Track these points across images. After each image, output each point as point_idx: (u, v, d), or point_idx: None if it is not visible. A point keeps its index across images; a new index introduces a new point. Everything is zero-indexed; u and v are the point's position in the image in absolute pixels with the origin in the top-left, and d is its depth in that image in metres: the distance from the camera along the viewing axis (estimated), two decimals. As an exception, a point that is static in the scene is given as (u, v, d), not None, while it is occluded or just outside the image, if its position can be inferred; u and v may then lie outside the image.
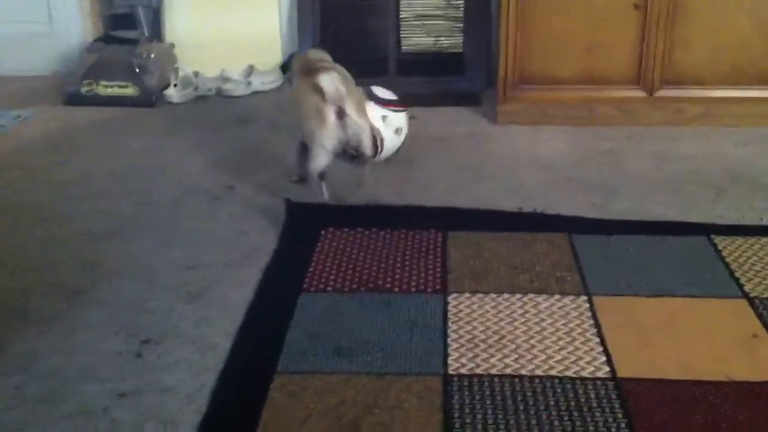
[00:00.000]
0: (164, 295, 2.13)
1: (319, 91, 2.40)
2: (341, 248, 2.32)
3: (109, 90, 3.63)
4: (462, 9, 3.81)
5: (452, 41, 3.90)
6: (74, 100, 3.62)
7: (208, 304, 2.09)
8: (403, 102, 2.90)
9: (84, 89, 3.63)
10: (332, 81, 2.39)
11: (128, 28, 3.90)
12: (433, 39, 3.92)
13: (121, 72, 3.63)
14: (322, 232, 2.40)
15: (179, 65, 3.74)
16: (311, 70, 2.50)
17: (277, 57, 4.00)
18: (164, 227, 2.50)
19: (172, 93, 3.64)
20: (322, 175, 2.50)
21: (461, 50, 3.83)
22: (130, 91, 3.62)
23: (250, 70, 3.80)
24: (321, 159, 2.46)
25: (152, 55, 3.70)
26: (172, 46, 3.95)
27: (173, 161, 3.00)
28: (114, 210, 2.62)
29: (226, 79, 3.74)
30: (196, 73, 3.72)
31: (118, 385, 1.78)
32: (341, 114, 2.40)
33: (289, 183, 2.71)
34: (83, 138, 3.27)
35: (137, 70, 3.62)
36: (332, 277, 2.18)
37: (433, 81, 3.74)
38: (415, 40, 3.91)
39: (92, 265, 2.29)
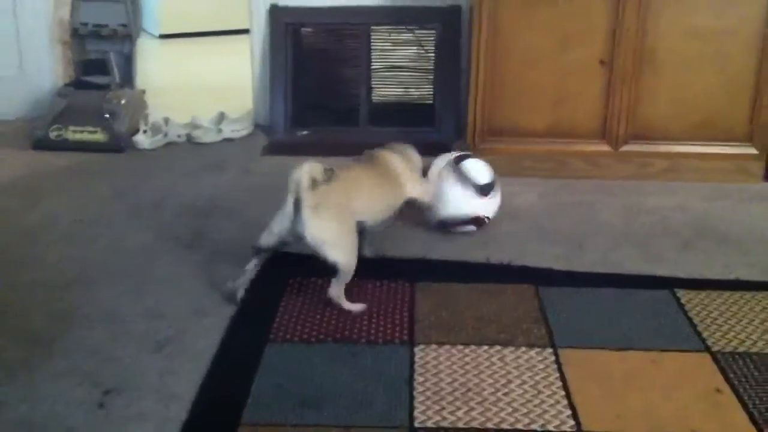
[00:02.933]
0: (130, 343, 2.11)
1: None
2: (308, 298, 2.32)
3: (79, 135, 3.62)
4: (433, 61, 3.87)
5: (423, 92, 3.94)
6: (43, 144, 3.61)
7: (173, 354, 2.07)
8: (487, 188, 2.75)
9: (53, 134, 3.62)
10: (303, 170, 2.19)
11: (99, 74, 3.91)
12: (404, 90, 3.97)
13: (91, 117, 3.62)
14: (290, 282, 2.40)
15: (149, 111, 3.75)
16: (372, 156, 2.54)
17: (247, 104, 4.03)
18: (132, 275, 2.48)
19: (142, 139, 3.64)
20: (257, 251, 2.34)
21: (432, 101, 3.87)
22: (99, 136, 3.61)
23: (221, 117, 3.81)
24: (265, 236, 2.29)
25: (122, 101, 3.70)
26: (143, 92, 3.97)
27: (143, 207, 2.99)
28: (81, 256, 2.60)
29: (196, 126, 3.75)
30: (167, 120, 3.73)
31: (81, 437, 1.76)
32: (297, 205, 2.20)
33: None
34: (51, 183, 3.25)
35: (107, 116, 3.62)
36: (299, 327, 2.17)
37: (404, 131, 3.76)
38: (386, 90, 3.95)
39: (58, 312, 2.26)
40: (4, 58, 4.00)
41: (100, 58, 3.93)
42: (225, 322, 2.21)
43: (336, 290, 2.27)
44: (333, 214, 2.24)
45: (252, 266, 2.36)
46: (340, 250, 2.24)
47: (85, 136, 3.62)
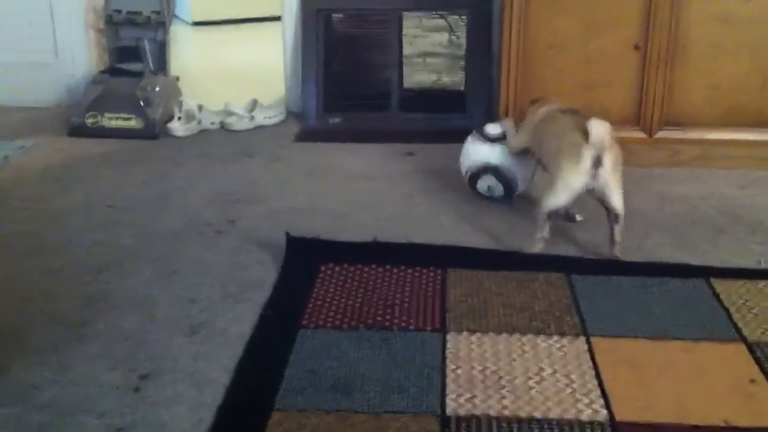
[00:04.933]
0: (163, 328, 2.14)
1: (585, 132, 2.38)
2: (341, 284, 2.33)
3: (113, 122, 3.65)
4: (464, 47, 3.85)
5: (454, 79, 3.93)
6: (78, 131, 3.65)
7: (207, 338, 2.09)
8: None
9: (88, 121, 3.66)
10: (601, 128, 2.37)
11: (134, 61, 3.93)
12: (435, 76, 3.96)
13: (126, 104, 3.66)
14: (322, 268, 2.41)
15: (183, 98, 3.77)
16: (577, 111, 2.63)
17: (280, 91, 4.04)
18: (165, 259, 2.51)
19: (176, 126, 3.67)
20: (552, 215, 2.50)
21: (462, 88, 3.86)
22: (133, 123, 3.64)
23: (254, 104, 3.83)
24: (561, 196, 2.45)
25: (157, 88, 3.73)
26: (177, 79, 3.99)
27: (175, 193, 3.02)
28: (114, 241, 2.63)
29: (229, 113, 3.77)
30: (200, 107, 3.75)
31: (115, 420, 1.78)
32: (597, 162, 2.37)
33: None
34: (85, 169, 3.29)
35: (141, 103, 3.65)
36: (331, 313, 2.18)
37: (434, 118, 3.78)
38: (417, 77, 3.95)
39: (92, 296, 2.29)
40: (39, 45, 4.04)
41: (133, 46, 3.95)
42: (257, 307, 2.23)
43: (619, 236, 2.48)
44: (620, 167, 2.45)
45: (547, 231, 2.52)
46: (623, 199, 2.46)
47: (120, 123, 3.66)
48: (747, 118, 3.23)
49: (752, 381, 1.90)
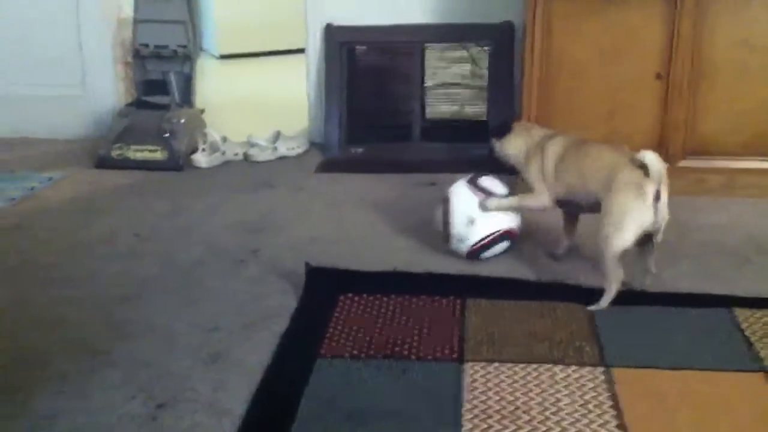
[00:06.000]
0: (183, 357, 2.15)
1: (641, 166, 2.29)
2: (359, 314, 2.33)
3: (139, 154, 3.70)
4: (486, 78, 3.87)
5: (476, 109, 3.95)
6: (105, 163, 3.71)
7: (225, 368, 2.10)
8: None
9: (114, 153, 3.71)
10: (658, 159, 2.28)
11: (160, 94, 3.99)
12: (458, 106, 3.98)
13: (151, 136, 3.71)
14: (341, 298, 2.41)
15: (208, 130, 3.81)
16: (612, 144, 2.53)
17: (303, 123, 4.08)
18: (186, 289, 2.53)
19: (200, 157, 3.71)
20: (624, 253, 2.36)
21: (485, 118, 3.87)
22: (158, 155, 3.69)
23: (277, 135, 3.86)
24: (628, 236, 2.31)
25: (182, 121, 3.78)
26: (202, 111, 4.04)
27: (198, 224, 3.05)
28: (137, 271, 2.66)
29: (252, 145, 3.81)
30: (224, 139, 3.79)
31: (132, 449, 1.79)
32: (657, 196, 2.28)
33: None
34: (110, 200, 3.33)
35: (167, 135, 3.70)
36: (349, 343, 2.18)
37: (457, 148, 3.79)
38: (439, 107, 3.97)
39: (114, 325, 2.32)
40: (68, 78, 4.12)
41: (160, 79, 4.01)
42: (276, 337, 2.23)
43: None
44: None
45: (621, 272, 2.36)
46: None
47: (146, 155, 3.71)
48: (773, 146, 3.20)
49: (774, 412, 1.88)
